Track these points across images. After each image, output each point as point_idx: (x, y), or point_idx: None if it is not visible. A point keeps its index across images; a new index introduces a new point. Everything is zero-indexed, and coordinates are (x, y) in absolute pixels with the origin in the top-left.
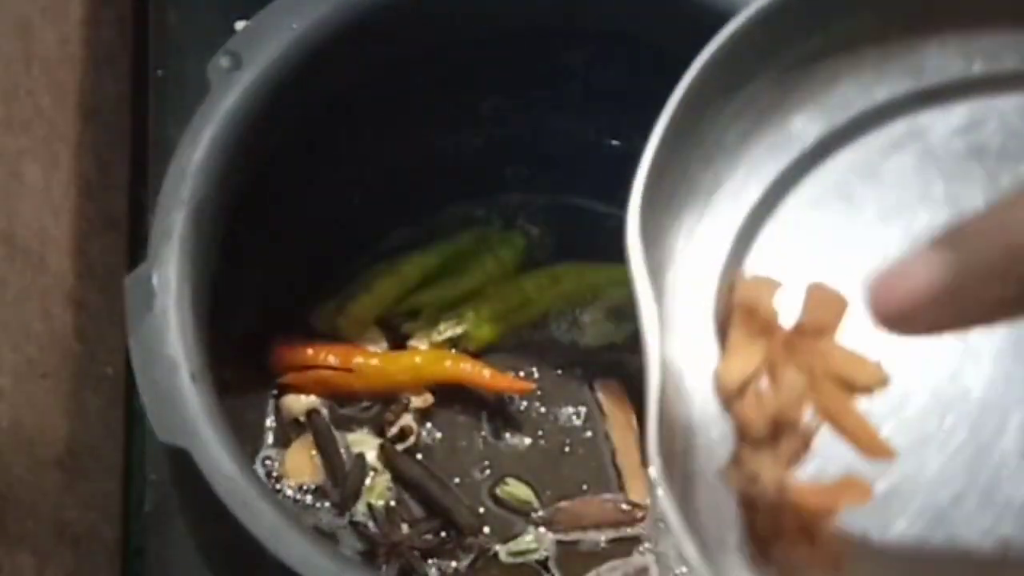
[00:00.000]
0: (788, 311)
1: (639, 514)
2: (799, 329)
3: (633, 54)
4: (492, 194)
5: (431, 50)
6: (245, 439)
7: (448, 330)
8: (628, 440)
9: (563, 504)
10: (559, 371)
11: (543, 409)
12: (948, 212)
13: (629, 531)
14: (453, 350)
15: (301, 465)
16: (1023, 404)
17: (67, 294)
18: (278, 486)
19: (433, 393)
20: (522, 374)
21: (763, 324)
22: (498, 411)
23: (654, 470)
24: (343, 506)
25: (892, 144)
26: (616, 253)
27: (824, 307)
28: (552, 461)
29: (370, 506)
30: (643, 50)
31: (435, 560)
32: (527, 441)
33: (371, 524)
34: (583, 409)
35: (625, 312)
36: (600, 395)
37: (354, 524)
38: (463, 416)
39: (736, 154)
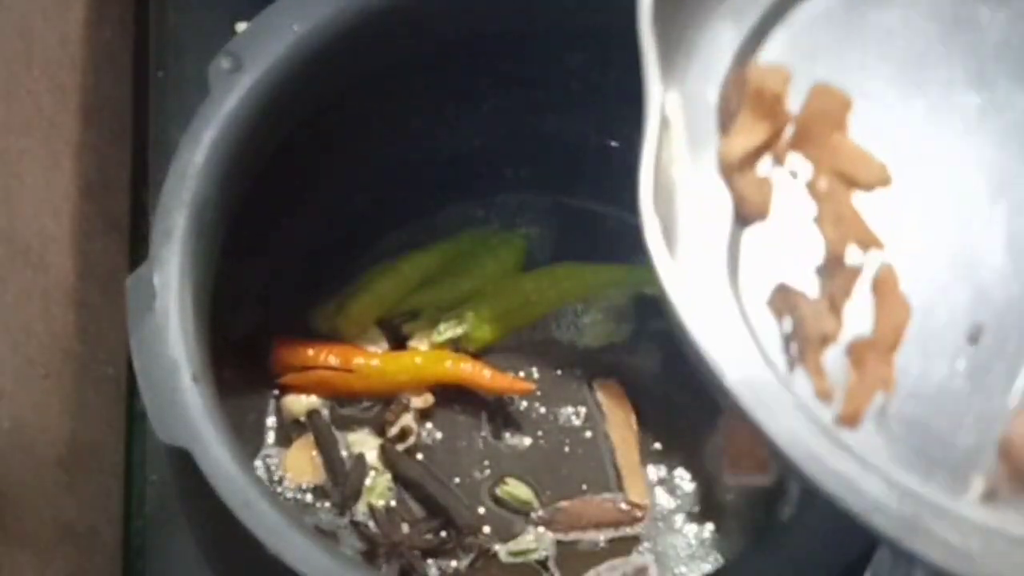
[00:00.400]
0: (796, 106)
1: (639, 514)
2: (806, 120)
3: (633, 54)
4: (492, 194)
5: (431, 51)
6: (246, 439)
7: (448, 330)
8: (628, 440)
9: (563, 504)
10: (559, 371)
11: (543, 409)
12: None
13: (629, 531)
14: (453, 350)
15: (301, 465)
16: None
17: (68, 294)
18: (278, 486)
19: (433, 393)
20: (522, 374)
21: (770, 106)
22: (498, 411)
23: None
24: (343, 506)
25: None
26: (616, 253)
27: (828, 103)
28: (552, 461)
29: (370, 506)
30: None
31: (435, 560)
32: (527, 441)
33: (371, 524)
34: (583, 409)
35: (625, 312)
36: (600, 395)
37: (354, 524)
38: (463, 416)
39: None
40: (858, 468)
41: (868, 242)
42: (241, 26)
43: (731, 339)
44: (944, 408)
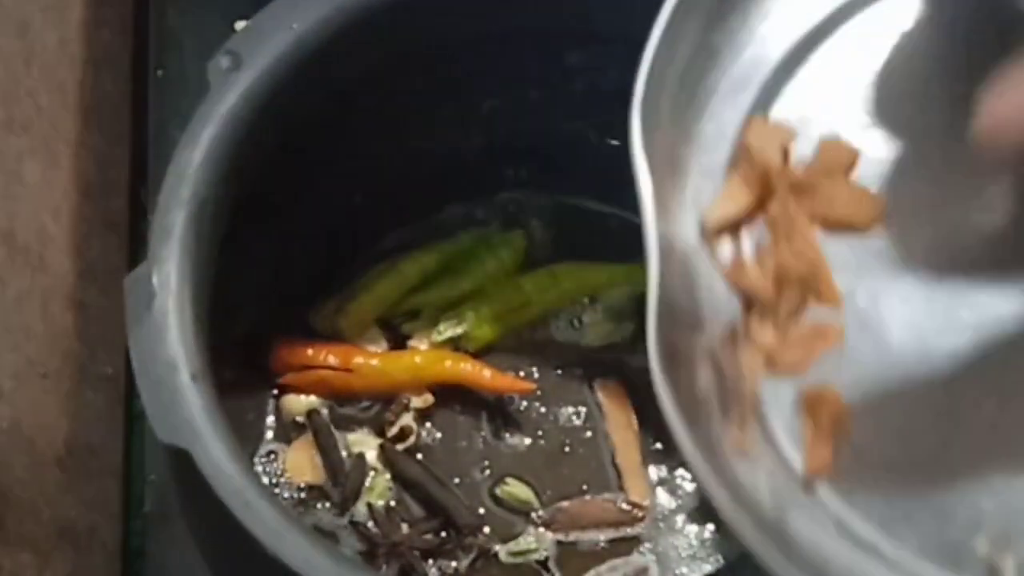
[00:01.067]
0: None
1: (639, 514)
2: (809, 174)
3: (633, 55)
4: (492, 194)
5: (431, 50)
6: (245, 439)
7: (448, 330)
8: (628, 440)
9: (563, 504)
10: (559, 371)
11: (543, 409)
12: (982, 60)
13: (629, 531)
14: (453, 350)
15: (301, 465)
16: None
17: (67, 294)
18: (278, 486)
19: (433, 393)
20: (522, 374)
21: (761, 168)
22: (498, 411)
23: (654, 362)
24: (343, 506)
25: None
26: (616, 253)
27: (831, 157)
28: (552, 461)
29: (370, 506)
30: (643, 51)
31: (435, 560)
32: (527, 441)
33: (371, 524)
34: (583, 409)
35: (625, 312)
36: (600, 395)
37: (354, 524)
38: (463, 416)
39: (763, 10)
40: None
41: (827, 292)
42: (240, 25)
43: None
44: (966, 492)
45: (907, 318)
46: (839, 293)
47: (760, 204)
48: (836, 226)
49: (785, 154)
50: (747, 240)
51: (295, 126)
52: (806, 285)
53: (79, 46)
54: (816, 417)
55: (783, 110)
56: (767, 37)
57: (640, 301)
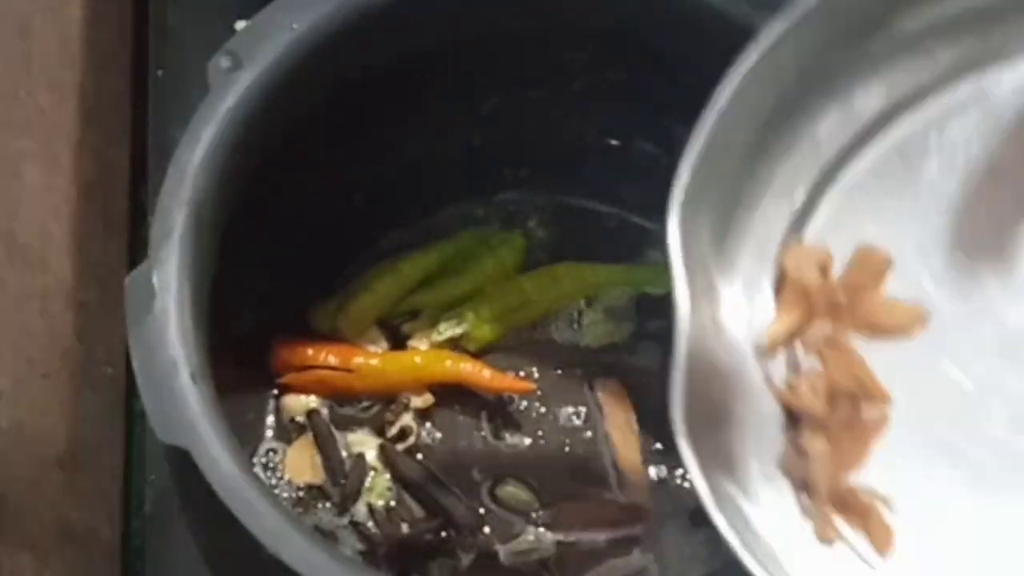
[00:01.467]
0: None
1: (639, 515)
2: (846, 284)
3: (633, 55)
4: (492, 194)
5: (431, 50)
6: (245, 439)
7: (448, 330)
8: (628, 440)
9: (563, 504)
10: (559, 371)
11: (543, 409)
12: (1013, 167)
13: (629, 531)
14: (453, 350)
15: (301, 465)
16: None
17: (67, 294)
18: (278, 486)
19: (433, 393)
20: (522, 374)
21: (802, 291)
22: (498, 411)
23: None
24: (343, 506)
25: (955, 107)
26: (616, 252)
27: (865, 265)
28: (552, 461)
29: (370, 506)
30: (643, 51)
31: (435, 560)
32: (527, 441)
33: (371, 524)
34: (583, 409)
35: (625, 312)
36: (600, 395)
37: (354, 524)
38: (463, 416)
39: (800, 131)
40: None
41: (876, 395)
42: (240, 24)
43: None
44: None
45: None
46: (887, 393)
47: (807, 320)
48: (881, 334)
49: (824, 273)
50: (797, 356)
51: (295, 126)
52: (856, 397)
53: (79, 46)
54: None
55: (822, 219)
56: (820, 140)
57: (640, 301)
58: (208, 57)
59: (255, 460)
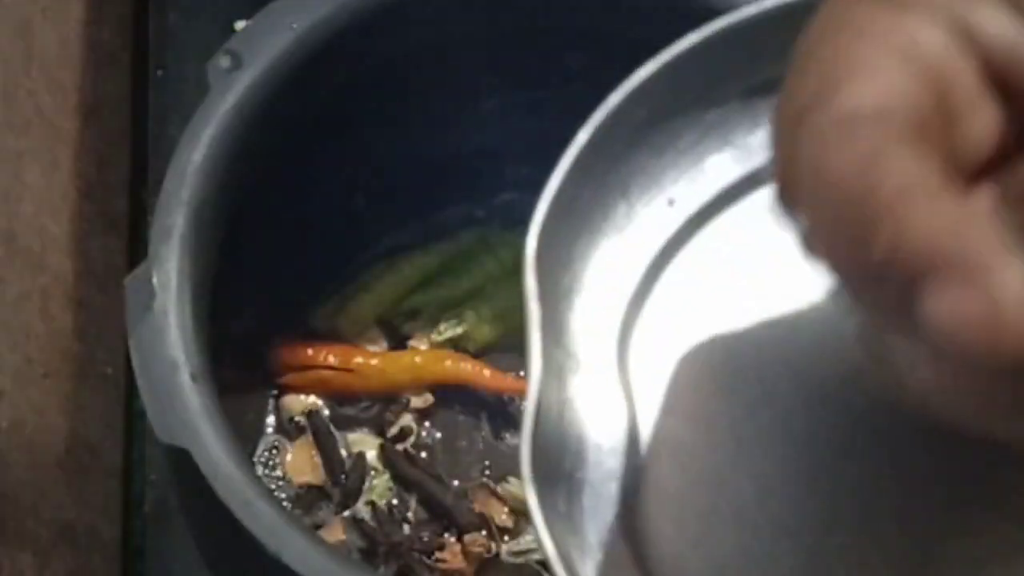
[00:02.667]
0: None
1: None
2: None
3: (633, 55)
4: (492, 194)
5: (431, 50)
6: (245, 439)
7: (448, 330)
8: None
9: None
10: None
11: None
12: None
13: None
14: (453, 350)
15: (301, 465)
16: None
17: (67, 294)
18: (278, 486)
19: (433, 393)
20: (522, 374)
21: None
22: (498, 411)
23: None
24: (343, 506)
25: None
26: None
27: None
28: None
29: (371, 505)
30: (643, 51)
31: (435, 560)
32: None
33: (371, 524)
34: None
35: None
36: None
37: (354, 523)
38: (463, 416)
39: (656, 186)
40: None
41: None
42: (240, 24)
43: None
44: None
45: None
46: None
47: None
48: None
49: None
50: None
51: (295, 126)
52: None
53: (79, 46)
54: None
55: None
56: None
57: None
58: (208, 57)
59: (255, 460)
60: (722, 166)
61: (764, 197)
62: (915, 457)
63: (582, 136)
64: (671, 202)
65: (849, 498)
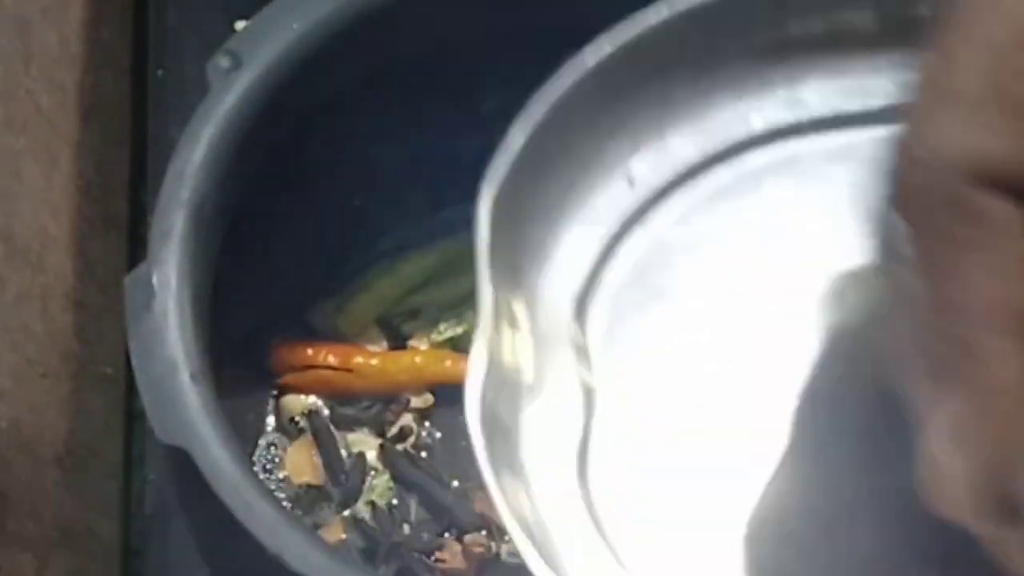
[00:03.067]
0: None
1: None
2: None
3: None
4: None
5: (431, 50)
6: (245, 439)
7: (448, 330)
8: None
9: None
10: None
11: None
12: (829, 226)
13: None
14: (453, 350)
15: (301, 465)
16: None
17: (67, 294)
18: (278, 486)
19: (433, 393)
20: None
21: None
22: None
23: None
24: (343, 506)
25: (768, 166)
26: None
27: None
28: None
29: (371, 506)
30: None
31: (435, 560)
32: None
33: (371, 524)
34: None
35: None
36: None
37: (355, 523)
38: (463, 416)
39: (612, 166)
40: None
41: None
42: (240, 24)
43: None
44: None
45: None
46: None
47: None
48: None
49: None
50: None
51: (295, 126)
52: None
53: (79, 46)
54: None
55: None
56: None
57: None
58: (208, 57)
59: (255, 460)
60: (682, 146)
61: (724, 176)
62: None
63: (534, 112)
64: (631, 182)
65: (810, 450)
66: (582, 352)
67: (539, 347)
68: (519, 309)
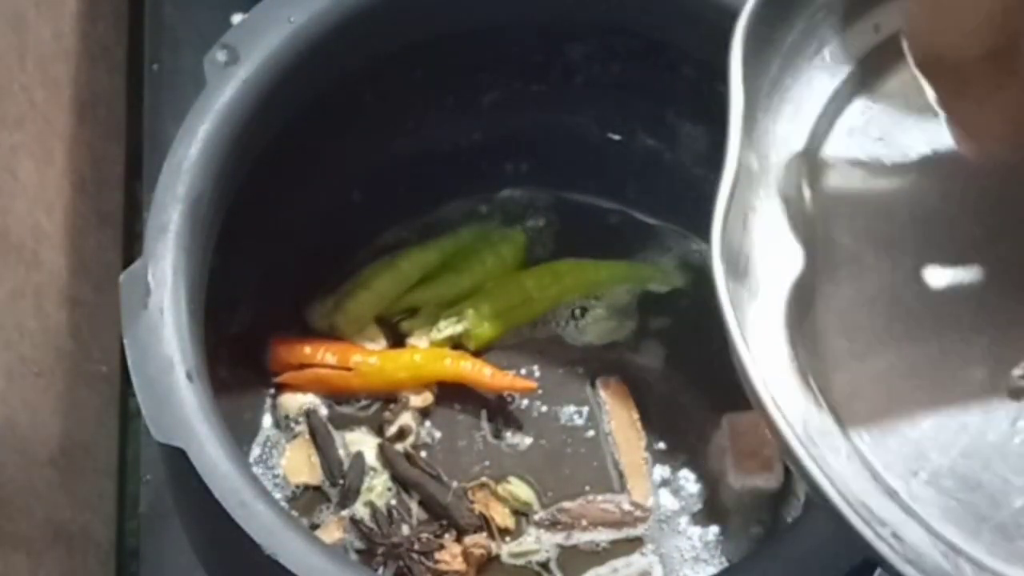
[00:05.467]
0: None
1: (642, 515)
2: None
3: (634, 48)
4: (492, 190)
5: (430, 44)
6: (242, 438)
7: (448, 328)
8: (630, 440)
9: (565, 505)
10: (560, 370)
11: (544, 408)
12: None
13: (631, 532)
14: (453, 348)
15: (299, 464)
16: None
17: (61, 291)
18: (275, 485)
19: (432, 392)
20: (523, 372)
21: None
22: (498, 410)
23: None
24: (342, 506)
25: None
26: (618, 249)
27: None
28: (553, 461)
29: (370, 506)
30: (644, 44)
31: (435, 561)
32: (528, 441)
33: (370, 524)
34: (585, 408)
35: (628, 309)
36: (602, 394)
37: (353, 524)
38: (463, 415)
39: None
40: (902, 515)
41: None
42: (237, 18)
43: (791, 387)
44: (998, 467)
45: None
46: None
47: None
48: None
49: None
50: None
51: (292, 121)
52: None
53: (74, 40)
54: None
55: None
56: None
57: (642, 298)
58: (204, 51)
59: (252, 459)
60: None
61: None
62: None
63: None
64: (876, 28)
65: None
66: (809, 195)
67: (768, 186)
68: (752, 160)
